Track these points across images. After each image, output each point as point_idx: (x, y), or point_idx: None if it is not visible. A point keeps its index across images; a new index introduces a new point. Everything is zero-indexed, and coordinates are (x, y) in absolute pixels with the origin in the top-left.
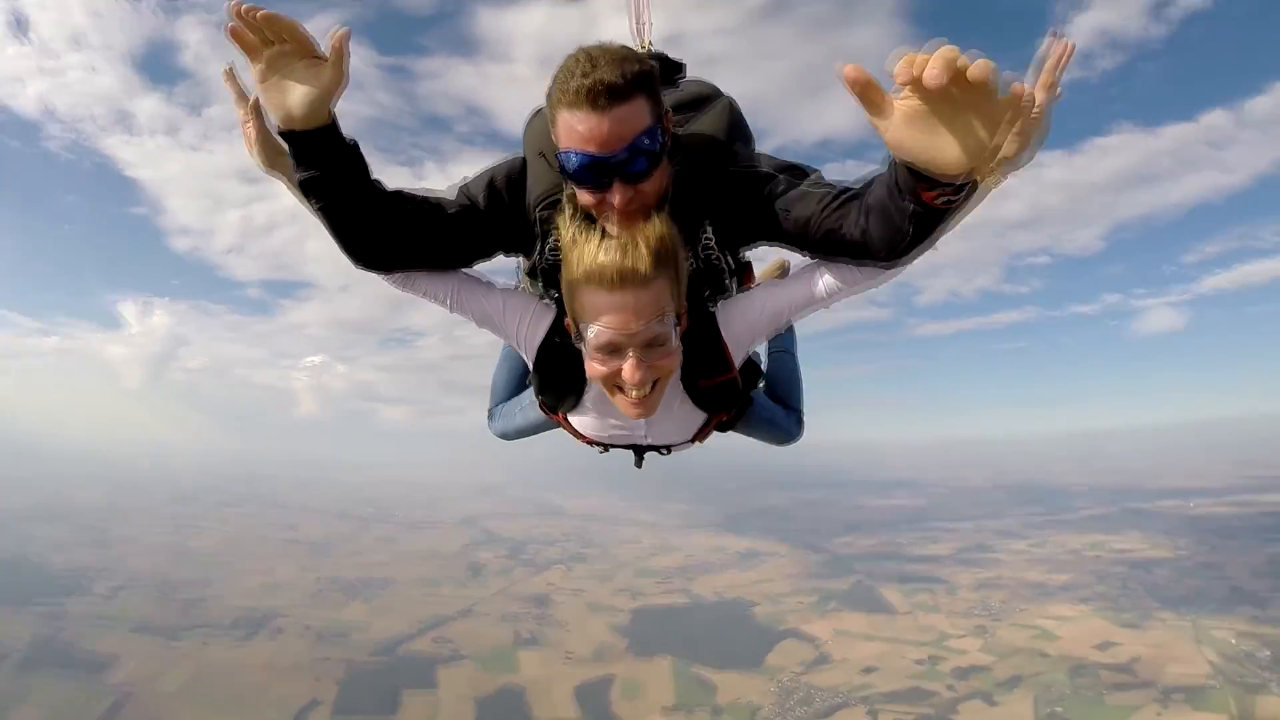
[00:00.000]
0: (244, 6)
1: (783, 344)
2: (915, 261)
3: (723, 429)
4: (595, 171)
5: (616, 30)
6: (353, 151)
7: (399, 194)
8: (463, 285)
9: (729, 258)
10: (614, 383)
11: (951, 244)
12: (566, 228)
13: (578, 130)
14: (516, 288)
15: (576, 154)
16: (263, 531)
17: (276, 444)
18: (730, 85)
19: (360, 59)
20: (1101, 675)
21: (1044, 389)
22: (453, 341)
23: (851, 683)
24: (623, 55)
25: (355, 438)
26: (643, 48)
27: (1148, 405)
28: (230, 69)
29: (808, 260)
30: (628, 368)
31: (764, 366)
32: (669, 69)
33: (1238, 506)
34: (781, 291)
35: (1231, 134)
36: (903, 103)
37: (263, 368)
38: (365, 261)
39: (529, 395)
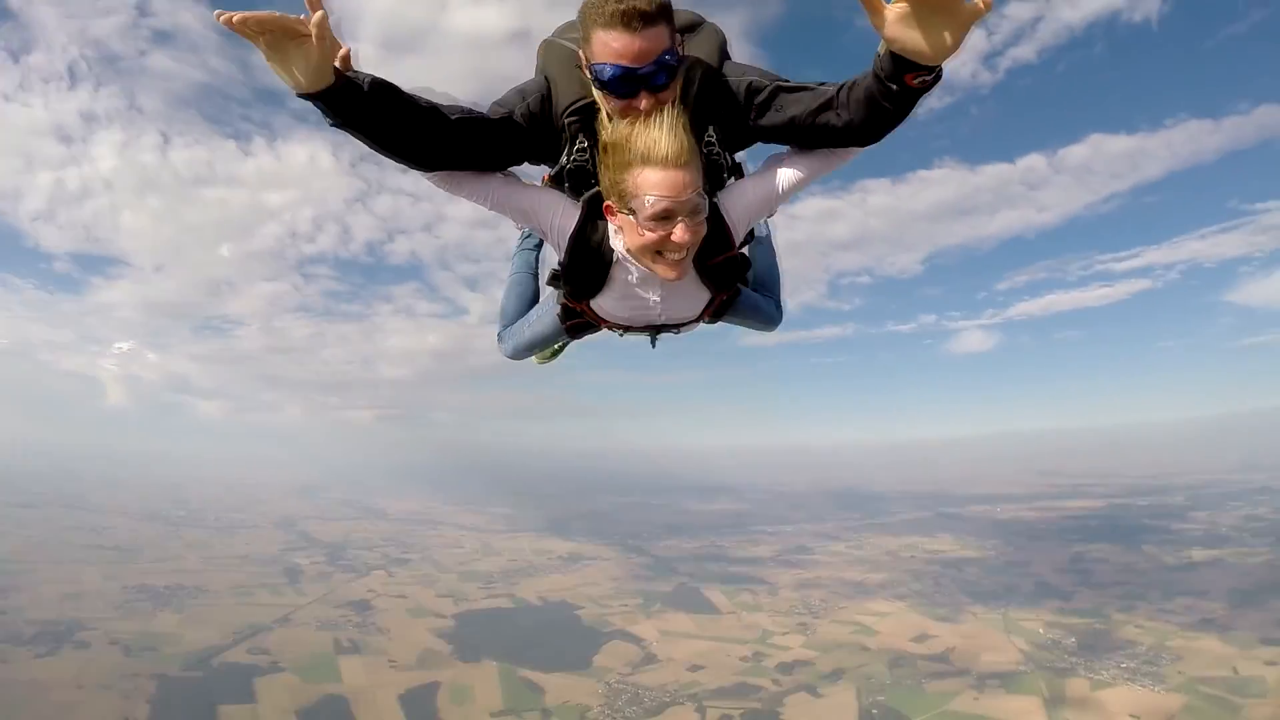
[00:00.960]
0: (222, 19)
1: (759, 232)
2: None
3: (717, 316)
4: (626, 82)
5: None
6: (374, 90)
7: (436, 110)
8: (504, 184)
9: (728, 156)
10: (658, 248)
11: (781, 260)
12: (614, 124)
13: (613, 46)
14: None
15: (612, 66)
16: (65, 535)
17: (82, 437)
18: None
19: (195, 17)
20: (919, 665)
21: (863, 401)
22: (272, 333)
23: (679, 681)
24: None
25: (167, 432)
26: None
27: (959, 419)
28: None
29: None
30: (679, 230)
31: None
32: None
33: (1041, 511)
34: (770, 177)
35: (1047, 177)
36: (896, 6)
37: (68, 352)
38: (415, 165)
39: (536, 311)
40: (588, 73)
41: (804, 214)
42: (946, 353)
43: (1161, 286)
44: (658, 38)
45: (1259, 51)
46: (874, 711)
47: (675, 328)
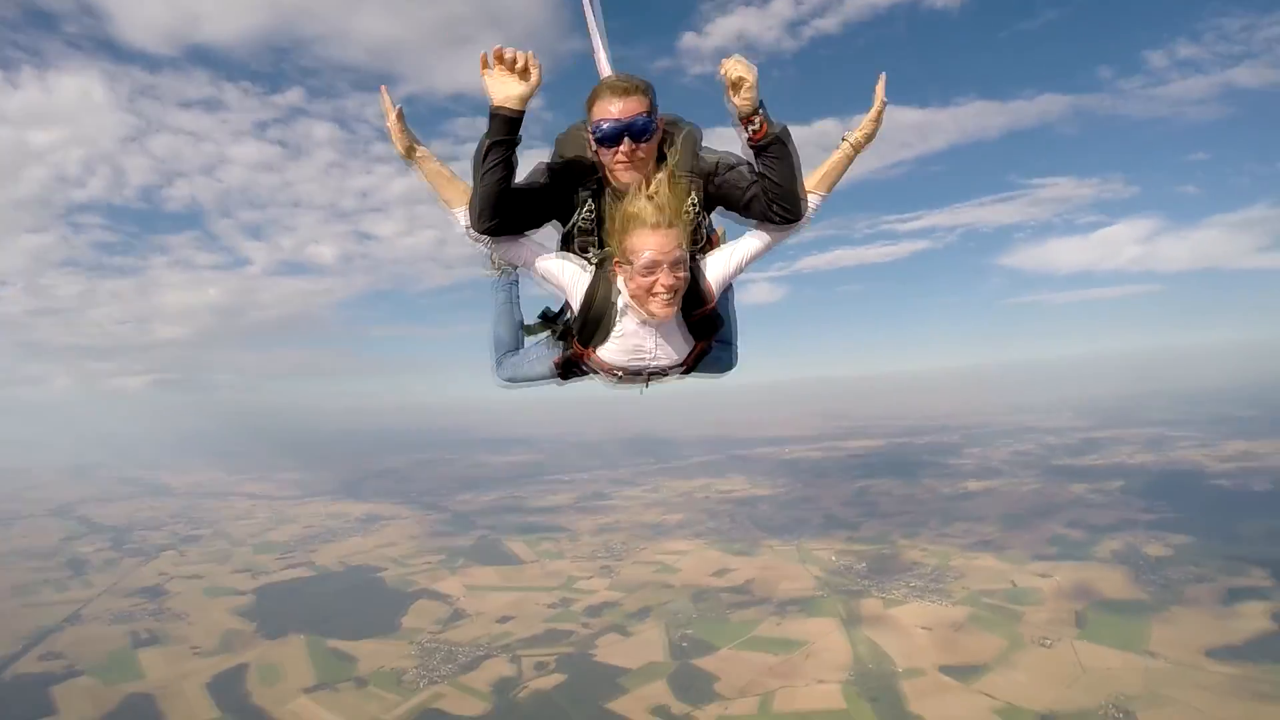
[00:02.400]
0: (496, 52)
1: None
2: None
3: (690, 368)
4: (613, 132)
5: None
6: (519, 140)
7: (521, 189)
8: (537, 252)
9: (706, 219)
10: (650, 291)
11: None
12: (616, 198)
13: (605, 110)
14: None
15: (604, 122)
16: None
17: None
18: (373, 25)
19: None
20: (722, 598)
21: None
22: (37, 293)
23: (490, 634)
24: (633, 77)
25: None
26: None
27: (748, 367)
28: (384, 88)
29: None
30: (664, 276)
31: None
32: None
33: (827, 451)
34: (737, 250)
35: (838, 142)
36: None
37: None
38: (484, 227)
39: (532, 352)
40: (590, 136)
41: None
42: (736, 303)
43: (941, 247)
44: (637, 104)
45: (1047, 46)
46: (683, 644)
47: (662, 373)
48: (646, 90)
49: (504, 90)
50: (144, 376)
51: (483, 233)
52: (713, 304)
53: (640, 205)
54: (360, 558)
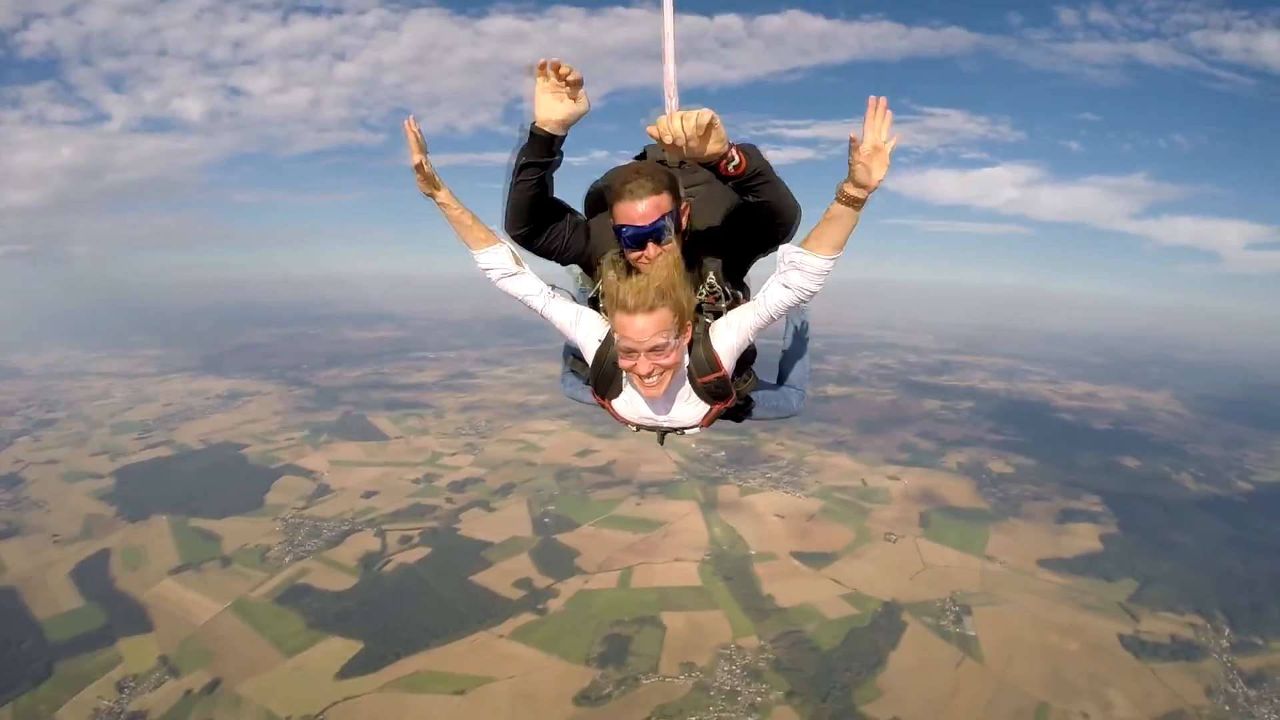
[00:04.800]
0: (550, 64)
1: (795, 320)
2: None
3: (736, 419)
4: (634, 238)
5: None
6: (556, 163)
7: (557, 201)
8: (554, 298)
9: (727, 288)
10: (633, 372)
11: (454, 78)
12: (610, 279)
13: (627, 213)
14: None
15: (627, 227)
16: None
17: None
18: None
19: None
20: (584, 478)
21: None
22: None
23: (355, 509)
24: (655, 168)
25: None
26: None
27: None
28: (410, 119)
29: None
30: (640, 362)
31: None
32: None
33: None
34: (748, 317)
35: (740, 39)
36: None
37: None
38: (514, 233)
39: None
40: (615, 232)
41: (490, 31)
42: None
43: (825, 159)
44: (657, 205)
45: None
46: (546, 521)
47: (680, 430)
48: (671, 185)
49: (549, 109)
50: None
51: (514, 239)
52: (722, 373)
53: (617, 287)
54: (223, 435)
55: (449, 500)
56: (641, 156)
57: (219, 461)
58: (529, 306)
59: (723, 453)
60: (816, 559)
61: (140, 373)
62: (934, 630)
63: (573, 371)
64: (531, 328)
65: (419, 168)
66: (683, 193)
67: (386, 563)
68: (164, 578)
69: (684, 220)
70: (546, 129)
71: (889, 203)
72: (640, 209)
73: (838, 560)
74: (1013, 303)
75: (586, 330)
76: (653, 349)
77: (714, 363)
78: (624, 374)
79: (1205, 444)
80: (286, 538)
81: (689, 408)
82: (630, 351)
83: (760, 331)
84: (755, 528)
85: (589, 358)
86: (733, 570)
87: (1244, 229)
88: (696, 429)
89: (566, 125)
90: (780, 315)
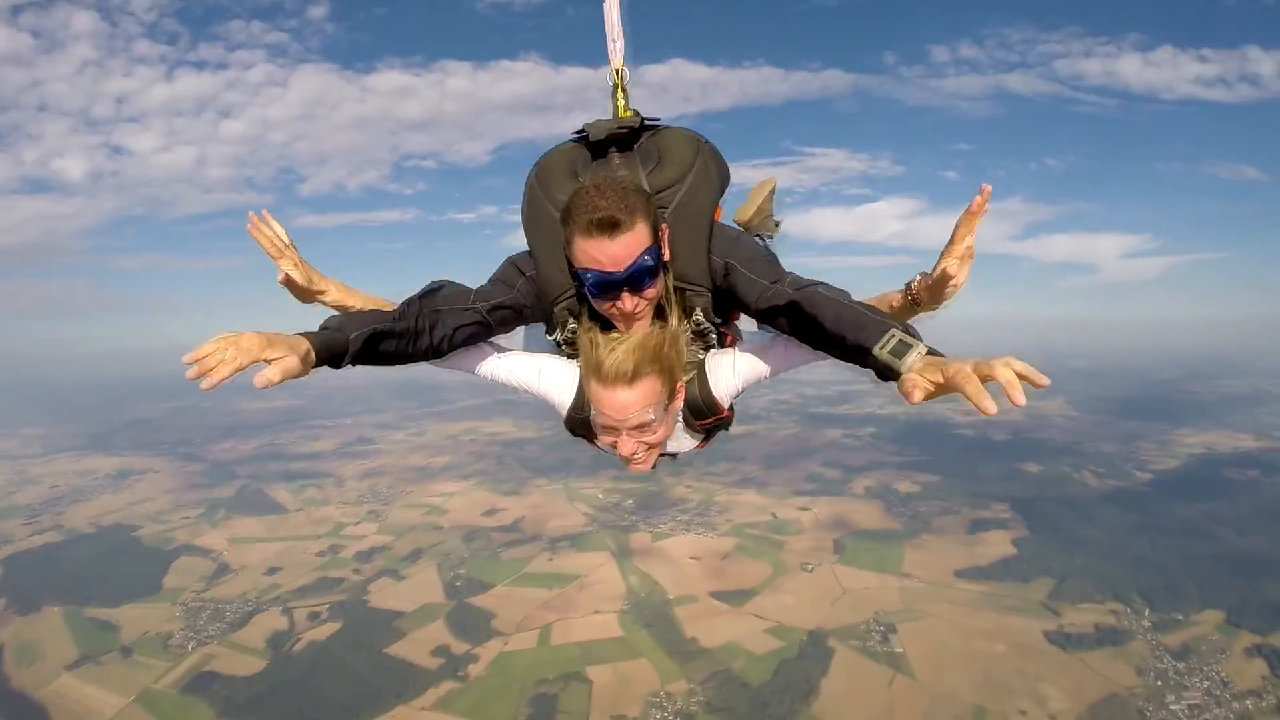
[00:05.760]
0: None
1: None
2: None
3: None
4: (606, 288)
5: None
6: (360, 352)
7: (429, 329)
8: (495, 366)
9: (715, 326)
10: (615, 451)
11: (344, 135)
12: (583, 334)
13: (592, 254)
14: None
15: (593, 273)
16: None
17: None
18: None
19: None
20: (493, 537)
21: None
22: None
23: (258, 587)
24: (623, 186)
25: None
26: (616, 72)
27: None
28: (255, 216)
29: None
30: (623, 442)
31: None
32: (647, 128)
33: None
34: (759, 361)
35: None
36: (927, 393)
37: None
38: (423, 361)
39: None
40: (574, 275)
41: (378, 87)
42: (504, 248)
43: None
44: (634, 241)
45: (839, 24)
46: (458, 584)
47: (673, 455)
48: (647, 207)
49: (271, 372)
50: None
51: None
52: (723, 414)
53: (599, 356)
54: (114, 516)
55: (356, 571)
56: (581, 135)
57: (112, 545)
58: (472, 376)
59: (631, 500)
60: (736, 596)
61: (24, 453)
62: (862, 652)
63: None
64: (428, 389)
65: (289, 278)
66: (646, 177)
67: (296, 641)
68: (61, 673)
69: (664, 251)
70: (306, 373)
71: (775, 244)
72: (611, 249)
73: (757, 595)
74: None
75: (550, 385)
76: (637, 426)
77: (713, 406)
78: None
79: (1102, 442)
80: (188, 622)
81: (683, 440)
82: (609, 429)
83: (773, 377)
84: (671, 572)
85: (561, 413)
86: (653, 617)
87: (1118, 240)
88: (692, 451)
89: (301, 371)
90: (797, 367)
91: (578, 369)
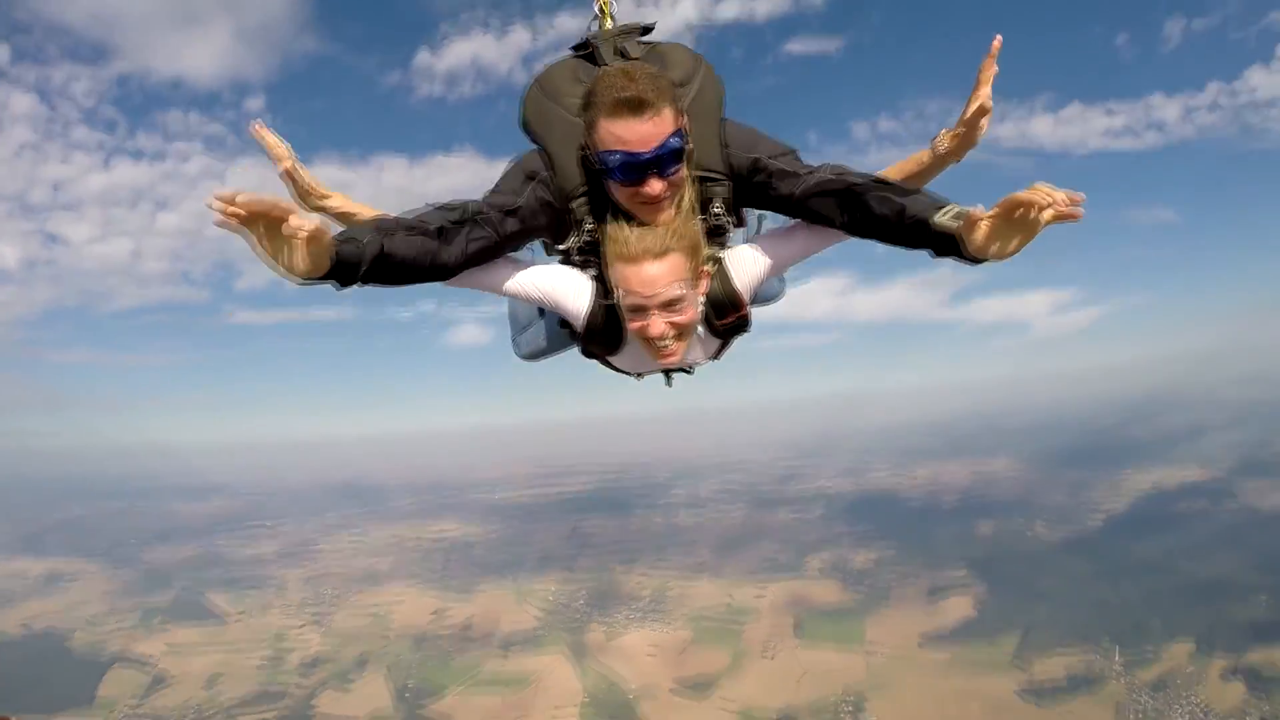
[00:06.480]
0: (219, 202)
1: None
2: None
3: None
4: (633, 169)
5: None
6: (372, 264)
7: (440, 245)
8: (516, 272)
9: (731, 220)
10: (644, 335)
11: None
12: (606, 226)
13: (618, 134)
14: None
15: (618, 154)
16: None
17: None
18: None
19: None
20: (443, 641)
21: (361, 391)
22: None
23: (197, 699)
24: (650, 72)
25: None
26: (603, 9)
27: (458, 410)
28: (257, 122)
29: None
30: (654, 323)
31: None
32: (643, 31)
33: (537, 493)
34: (777, 247)
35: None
36: (993, 220)
37: None
38: (435, 280)
39: (552, 325)
40: (594, 161)
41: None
42: (444, 344)
43: None
44: (662, 122)
45: (763, 108)
46: (407, 692)
47: (688, 369)
48: (671, 92)
49: (286, 259)
50: None
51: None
52: (745, 311)
53: (621, 236)
54: (45, 621)
55: (300, 681)
56: (583, 47)
57: (42, 651)
58: (486, 292)
59: (583, 597)
60: (699, 686)
61: None
62: None
63: (528, 325)
64: (369, 490)
65: (290, 173)
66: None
67: None
68: None
69: (689, 139)
70: (313, 275)
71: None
72: (639, 128)
73: (721, 683)
74: (846, 405)
75: (565, 291)
76: (667, 304)
77: (736, 300)
78: (625, 335)
79: (1051, 493)
80: None
81: (702, 345)
82: (639, 310)
83: (792, 265)
84: (630, 667)
85: (580, 322)
86: (617, 713)
87: (1047, 296)
88: (707, 362)
89: (323, 256)
90: (815, 253)
91: (591, 280)
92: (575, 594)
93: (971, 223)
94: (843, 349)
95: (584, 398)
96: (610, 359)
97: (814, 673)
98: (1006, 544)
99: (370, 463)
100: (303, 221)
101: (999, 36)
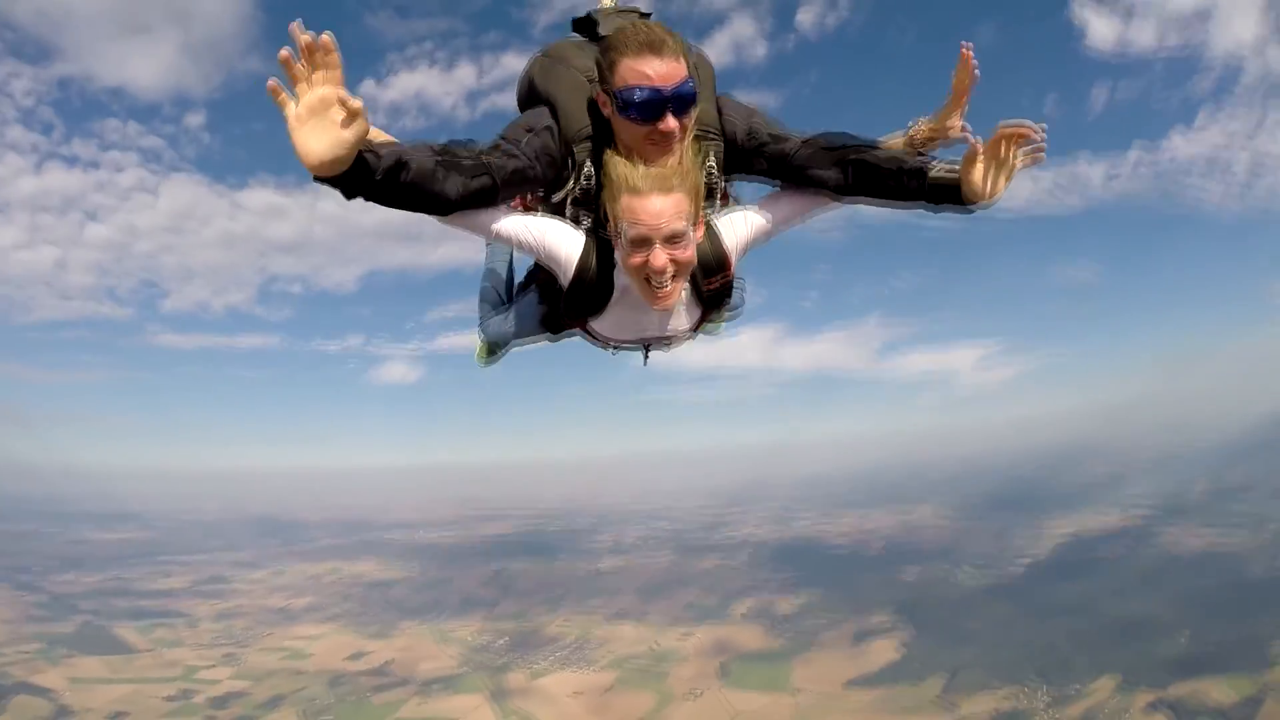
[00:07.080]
0: (307, 36)
1: None
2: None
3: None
4: (654, 104)
5: None
6: (385, 175)
7: (447, 176)
8: (508, 219)
9: (723, 183)
10: (644, 274)
11: (211, 251)
12: (611, 161)
13: (642, 70)
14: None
15: (641, 89)
16: None
17: None
18: None
19: None
20: (361, 681)
21: (283, 424)
22: None
23: None
24: (665, 28)
25: None
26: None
27: (381, 448)
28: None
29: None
30: (656, 255)
31: None
32: (641, 16)
33: (460, 534)
34: (769, 211)
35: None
36: (986, 158)
37: None
38: (433, 212)
39: (521, 308)
40: (612, 101)
41: (249, 205)
42: (371, 379)
43: None
44: (680, 65)
45: None
46: None
47: (666, 342)
48: (685, 47)
49: (317, 145)
50: None
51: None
52: (730, 273)
53: (628, 170)
54: None
55: (211, 718)
56: (585, 20)
57: None
58: (476, 234)
59: (504, 640)
60: None
61: None
62: None
63: (497, 306)
64: (288, 527)
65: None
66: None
67: None
68: None
69: (697, 88)
70: (333, 171)
71: (642, 379)
72: (661, 66)
73: None
74: (773, 455)
75: (556, 241)
76: (670, 237)
77: (723, 260)
78: (615, 289)
79: (975, 540)
80: None
81: (685, 312)
82: (643, 242)
83: (782, 230)
84: (552, 710)
85: (567, 272)
86: None
87: (971, 350)
88: (686, 339)
89: (351, 154)
90: (805, 219)
91: (583, 234)
92: (497, 637)
93: (971, 160)
94: (771, 400)
95: (510, 442)
96: (591, 323)
97: (742, 715)
98: (932, 589)
99: (290, 497)
100: (357, 100)
101: (968, 44)
